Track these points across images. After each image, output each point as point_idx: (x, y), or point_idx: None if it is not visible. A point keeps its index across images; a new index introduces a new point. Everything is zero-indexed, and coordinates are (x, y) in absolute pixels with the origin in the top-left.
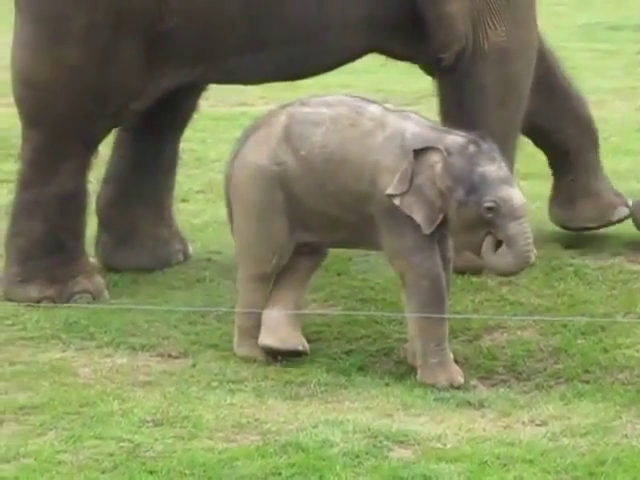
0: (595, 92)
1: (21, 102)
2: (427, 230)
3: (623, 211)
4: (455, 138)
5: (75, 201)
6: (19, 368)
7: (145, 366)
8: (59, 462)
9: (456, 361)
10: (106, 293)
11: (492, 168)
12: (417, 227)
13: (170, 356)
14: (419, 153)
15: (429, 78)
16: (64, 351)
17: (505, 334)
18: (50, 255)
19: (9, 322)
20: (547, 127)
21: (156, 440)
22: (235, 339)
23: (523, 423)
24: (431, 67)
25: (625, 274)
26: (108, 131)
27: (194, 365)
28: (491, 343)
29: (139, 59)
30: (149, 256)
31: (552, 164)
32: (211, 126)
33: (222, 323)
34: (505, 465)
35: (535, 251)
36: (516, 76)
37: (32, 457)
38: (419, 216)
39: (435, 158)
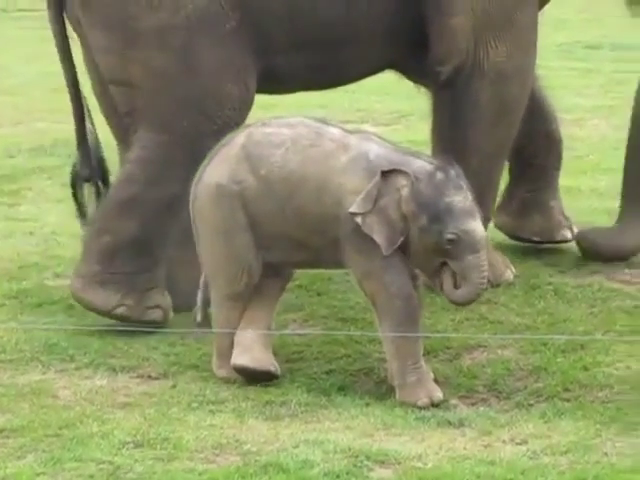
0: (573, 110)
1: (123, 103)
2: (386, 252)
3: (567, 234)
4: (423, 164)
5: (173, 207)
6: None
7: (125, 387)
8: None
9: (436, 380)
10: (172, 314)
11: (458, 198)
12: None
13: (150, 377)
14: (386, 175)
15: (408, 98)
16: (44, 373)
17: (485, 353)
18: (136, 259)
19: None
20: (518, 138)
21: (136, 461)
22: (214, 360)
23: (503, 442)
24: (427, 83)
25: (604, 292)
26: (215, 139)
27: (174, 386)
28: (471, 362)
29: (225, 62)
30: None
31: (513, 172)
32: None
33: (201, 344)
34: None
35: (513, 269)
36: (512, 98)
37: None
38: (379, 237)
39: (402, 182)
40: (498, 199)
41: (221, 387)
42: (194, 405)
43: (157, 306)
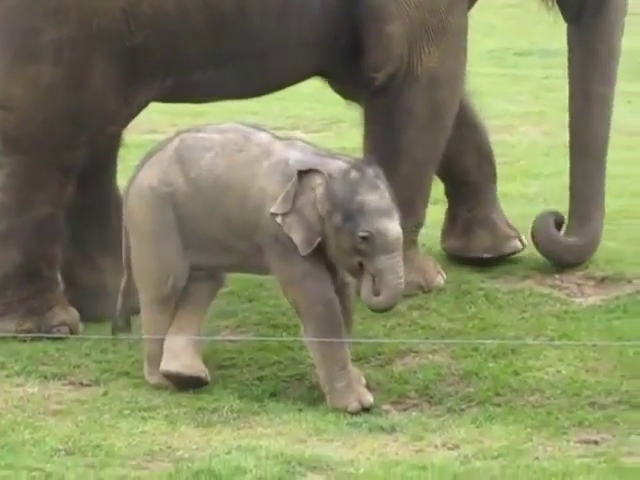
0: (503, 116)
1: None
2: (304, 251)
3: (516, 244)
4: (340, 163)
5: (51, 228)
6: None
7: (56, 394)
8: None
9: (368, 386)
10: (81, 325)
11: (372, 197)
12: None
13: (82, 384)
14: (303, 175)
15: (338, 105)
16: None
17: (417, 358)
18: (27, 285)
19: None
20: (448, 155)
21: (68, 469)
22: (145, 367)
23: (435, 446)
24: (360, 89)
25: (535, 297)
26: (85, 157)
27: (106, 393)
28: (403, 367)
29: (111, 77)
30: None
31: (449, 193)
32: (121, 153)
33: (133, 350)
34: None
35: (444, 275)
36: (444, 103)
37: None
38: (297, 237)
39: (317, 181)
40: (442, 223)
41: (153, 394)
42: (126, 412)
43: (62, 323)
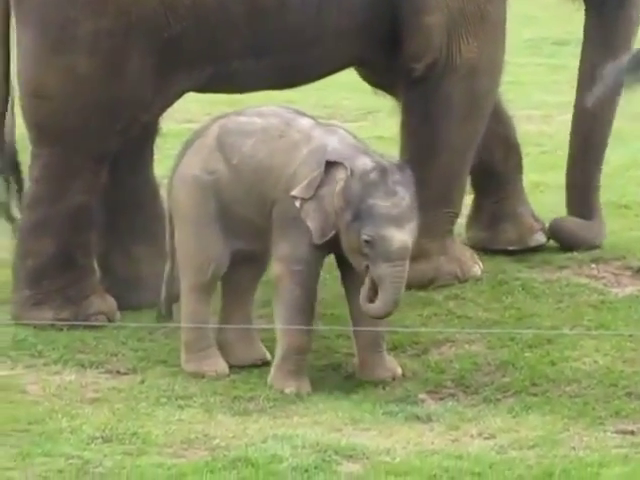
0: (541, 107)
1: (29, 116)
2: (317, 240)
3: (540, 237)
4: (366, 161)
5: (86, 217)
6: None
7: (94, 383)
8: (8, 479)
9: (404, 375)
10: (118, 314)
11: (384, 203)
12: (312, 242)
13: (119, 372)
14: (330, 165)
15: (375, 95)
16: (12, 369)
17: (453, 348)
18: (62, 274)
19: None
20: (476, 149)
21: (105, 456)
22: (182, 355)
23: (471, 436)
24: (397, 80)
25: (572, 287)
26: (119, 145)
27: (143, 381)
28: (439, 357)
29: (148, 67)
30: (154, 295)
31: (476, 184)
32: (158, 142)
33: (170, 339)
34: (453, 478)
35: (481, 265)
36: (482, 93)
37: None
38: (313, 224)
39: (341, 175)
40: (467, 214)
41: (190, 382)
42: (163, 400)
43: (99, 312)
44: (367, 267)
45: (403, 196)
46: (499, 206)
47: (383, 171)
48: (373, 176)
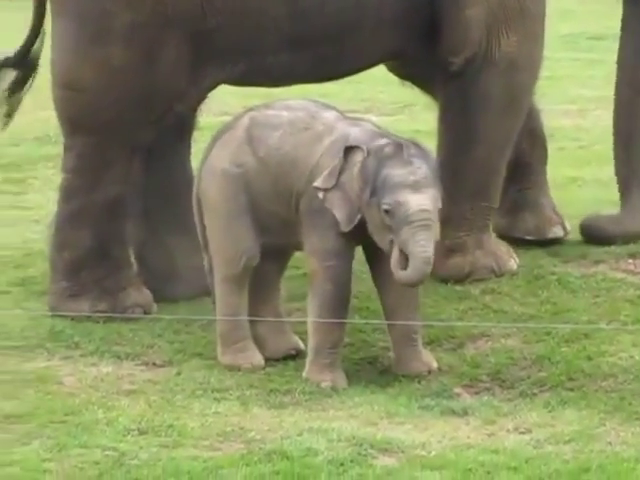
0: (577, 101)
1: (63, 107)
2: (345, 227)
3: (558, 230)
4: (384, 141)
5: (120, 208)
6: (4, 377)
7: (130, 375)
8: (44, 471)
9: (440, 369)
10: (155, 306)
11: (399, 172)
12: (340, 231)
13: (155, 365)
14: (348, 152)
15: (412, 88)
16: (49, 360)
17: (489, 342)
18: (99, 266)
19: None
20: None
21: (141, 448)
22: (218, 347)
23: (507, 431)
24: (435, 74)
25: (608, 282)
26: (153, 136)
27: (179, 374)
28: (475, 351)
29: (183, 59)
30: (189, 287)
31: None
32: (195, 135)
33: (206, 332)
34: (489, 472)
35: (517, 259)
36: (521, 88)
37: (17, 466)
38: (339, 213)
39: (358, 157)
40: None
41: (225, 375)
42: (198, 393)
43: (135, 304)
44: (391, 242)
45: (419, 166)
46: (521, 195)
47: (398, 146)
48: (388, 150)
